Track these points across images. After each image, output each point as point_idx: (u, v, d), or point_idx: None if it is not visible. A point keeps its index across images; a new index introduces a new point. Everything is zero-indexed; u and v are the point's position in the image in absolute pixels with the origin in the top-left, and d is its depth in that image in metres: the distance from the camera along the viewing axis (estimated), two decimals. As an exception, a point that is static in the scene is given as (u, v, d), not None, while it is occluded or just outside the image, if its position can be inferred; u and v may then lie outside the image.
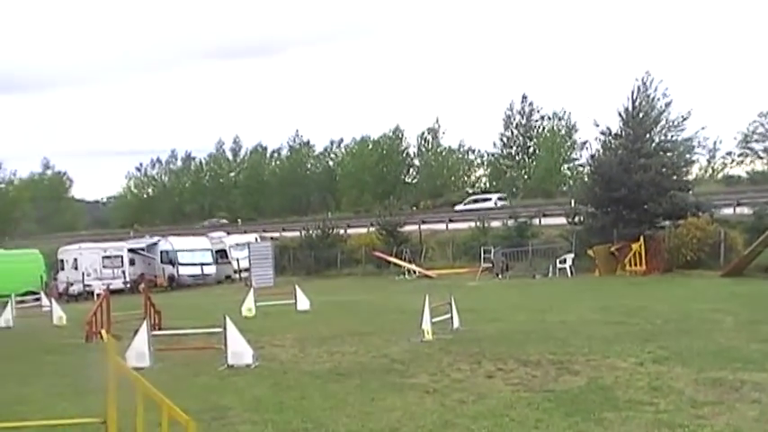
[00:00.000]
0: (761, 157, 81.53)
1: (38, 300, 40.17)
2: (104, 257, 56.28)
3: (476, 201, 76.62)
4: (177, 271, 57.00)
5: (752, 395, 11.90)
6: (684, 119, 76.35)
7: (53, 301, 33.43)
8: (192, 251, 58.50)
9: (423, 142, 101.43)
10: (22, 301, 38.19)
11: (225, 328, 17.17)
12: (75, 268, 55.41)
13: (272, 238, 67.50)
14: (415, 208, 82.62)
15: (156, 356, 17.77)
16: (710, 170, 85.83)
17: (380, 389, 13.80)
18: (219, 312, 18.04)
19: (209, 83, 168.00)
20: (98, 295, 32.55)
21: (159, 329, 22.91)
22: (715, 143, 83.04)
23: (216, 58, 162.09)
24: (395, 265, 51.68)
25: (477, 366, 15.51)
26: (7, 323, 31.02)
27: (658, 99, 77.91)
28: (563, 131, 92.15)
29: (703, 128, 79.73)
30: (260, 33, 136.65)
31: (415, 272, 49.68)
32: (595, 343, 17.63)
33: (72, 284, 54.28)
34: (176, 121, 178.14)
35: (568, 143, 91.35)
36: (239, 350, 17.10)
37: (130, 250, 58.61)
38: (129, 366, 11.78)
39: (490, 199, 76.40)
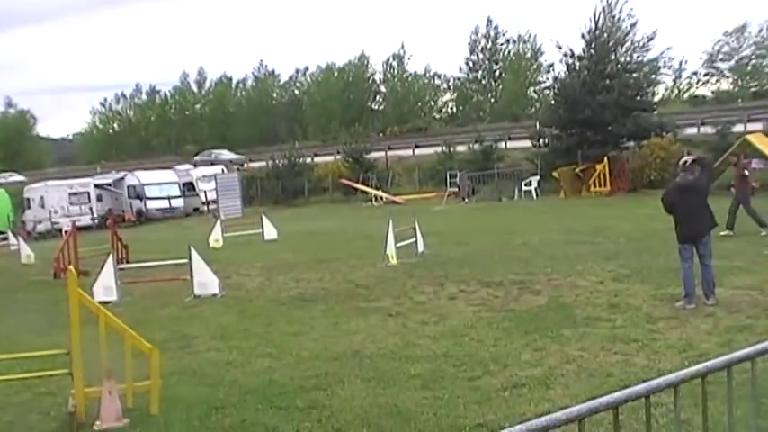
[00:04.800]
0: (726, 77, 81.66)
1: (5, 239, 40.06)
2: (71, 194, 55.70)
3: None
4: (145, 205, 56.64)
5: (706, 309, 12.17)
6: (650, 39, 76.15)
7: (21, 239, 33.27)
8: (159, 185, 58.01)
9: (388, 68, 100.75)
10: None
11: (190, 260, 17.30)
12: (42, 206, 55.04)
13: (238, 168, 67.24)
14: (381, 134, 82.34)
15: (124, 290, 17.91)
16: (676, 90, 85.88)
17: (344, 313, 14.04)
18: (187, 245, 18.11)
19: (172, 16, 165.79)
20: (65, 232, 32.31)
21: (126, 263, 23.05)
22: (681, 63, 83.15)
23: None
24: (362, 192, 51.83)
25: (440, 288, 15.78)
26: (-26, 263, 30.96)
27: (623, 20, 77.75)
28: (528, 54, 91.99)
29: (669, 48, 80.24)
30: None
31: (382, 198, 49.88)
32: (558, 263, 17.93)
33: (39, 222, 53.97)
34: (140, 54, 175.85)
35: (534, 66, 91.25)
36: (205, 280, 17.25)
37: (97, 186, 57.98)
38: (96, 300, 11.93)
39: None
